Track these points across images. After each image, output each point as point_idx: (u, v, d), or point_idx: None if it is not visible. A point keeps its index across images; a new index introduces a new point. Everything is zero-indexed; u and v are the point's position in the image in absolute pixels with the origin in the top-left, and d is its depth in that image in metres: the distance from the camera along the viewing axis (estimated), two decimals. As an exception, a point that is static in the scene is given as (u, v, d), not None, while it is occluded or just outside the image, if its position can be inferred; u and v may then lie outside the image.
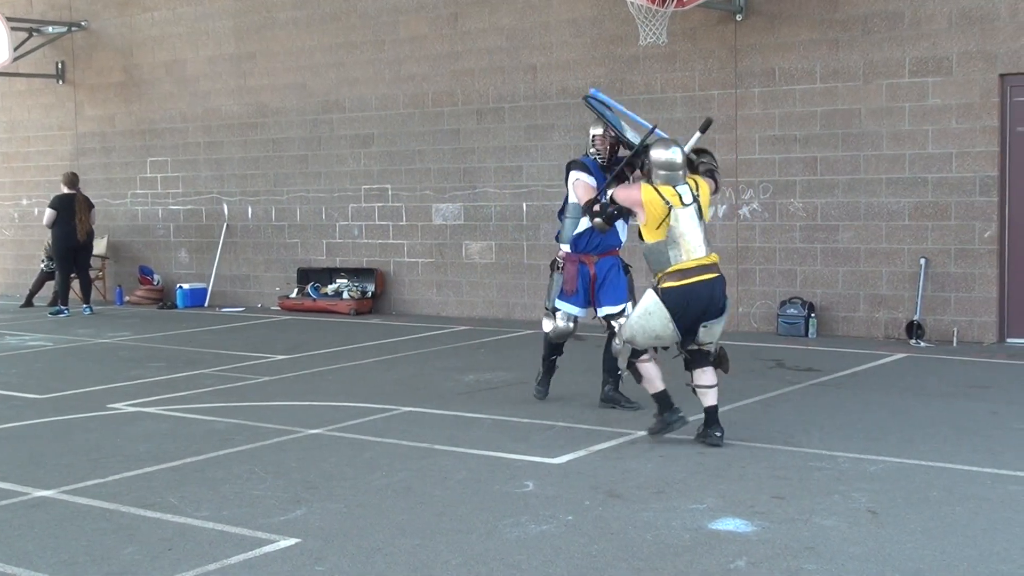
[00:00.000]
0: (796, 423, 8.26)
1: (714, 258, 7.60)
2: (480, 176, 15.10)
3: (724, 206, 13.30)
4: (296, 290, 16.48)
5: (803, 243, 12.91)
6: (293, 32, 16.58)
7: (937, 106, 12.07)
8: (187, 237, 18.04)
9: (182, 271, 18.06)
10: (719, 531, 5.76)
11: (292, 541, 5.70)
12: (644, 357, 7.71)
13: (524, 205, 14.71)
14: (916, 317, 12.08)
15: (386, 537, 5.76)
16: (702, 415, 7.65)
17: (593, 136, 8.82)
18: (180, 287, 17.52)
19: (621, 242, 8.84)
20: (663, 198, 7.47)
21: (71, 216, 16.42)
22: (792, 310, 12.77)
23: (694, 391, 7.67)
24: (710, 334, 7.56)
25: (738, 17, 13.00)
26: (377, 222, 16.03)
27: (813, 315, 12.68)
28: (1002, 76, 11.79)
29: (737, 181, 13.20)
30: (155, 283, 18.05)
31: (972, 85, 11.90)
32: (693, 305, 7.45)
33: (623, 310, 8.61)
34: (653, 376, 7.72)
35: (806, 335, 12.59)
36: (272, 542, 5.68)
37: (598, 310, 8.78)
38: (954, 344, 11.90)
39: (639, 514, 6.07)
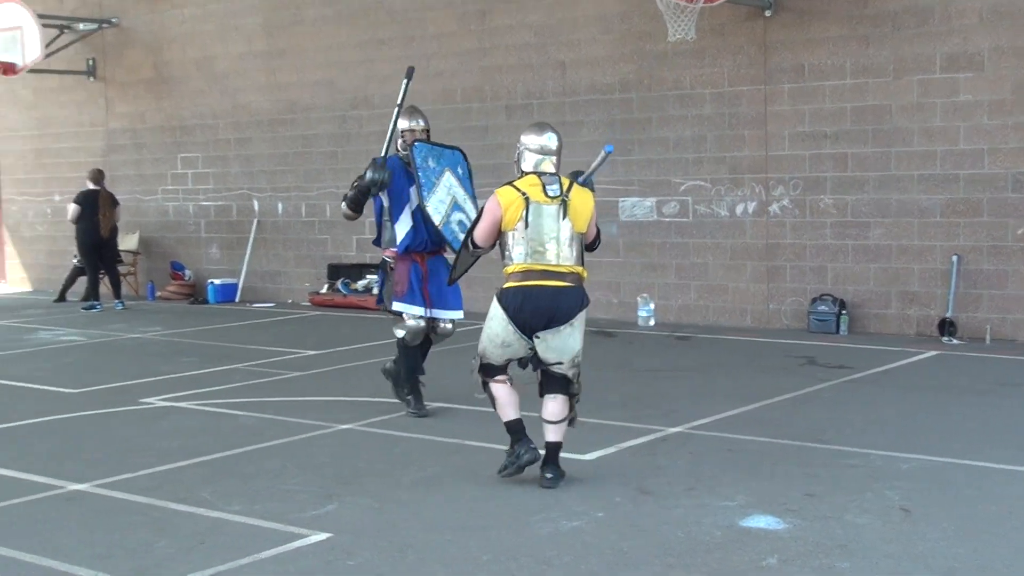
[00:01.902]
0: (828, 420, 8.23)
1: (572, 269, 6.74)
2: (509, 172, 15.01)
3: (754, 203, 13.26)
4: (326, 286, 16.53)
5: (834, 240, 12.85)
6: (322, 29, 16.63)
7: (968, 102, 11.99)
8: (218, 233, 18.12)
9: (213, 267, 18.15)
10: (751, 528, 5.75)
11: (323, 536, 5.72)
12: (499, 378, 6.77)
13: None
14: (948, 314, 12.01)
15: (417, 532, 5.77)
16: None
17: (403, 131, 8.79)
18: (211, 283, 17.60)
19: (447, 239, 8.57)
20: (519, 190, 6.72)
21: (94, 212, 16.53)
22: (823, 307, 12.71)
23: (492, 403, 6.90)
24: (548, 348, 6.62)
25: (767, 13, 12.96)
26: (406, 218, 16.02)
27: (844, 312, 12.62)
28: (1035, 72, 11.72)
29: (767, 178, 13.16)
30: (186, 278, 18.14)
31: (1004, 81, 11.82)
32: (529, 309, 6.59)
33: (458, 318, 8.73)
34: (505, 401, 6.74)
35: (837, 332, 12.53)
36: (303, 537, 5.71)
37: (432, 311, 8.62)
38: (987, 342, 11.82)
39: (670, 511, 6.06)
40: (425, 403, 8.67)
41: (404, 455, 7.41)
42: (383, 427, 8.27)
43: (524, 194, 6.69)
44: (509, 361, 6.80)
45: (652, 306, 13.82)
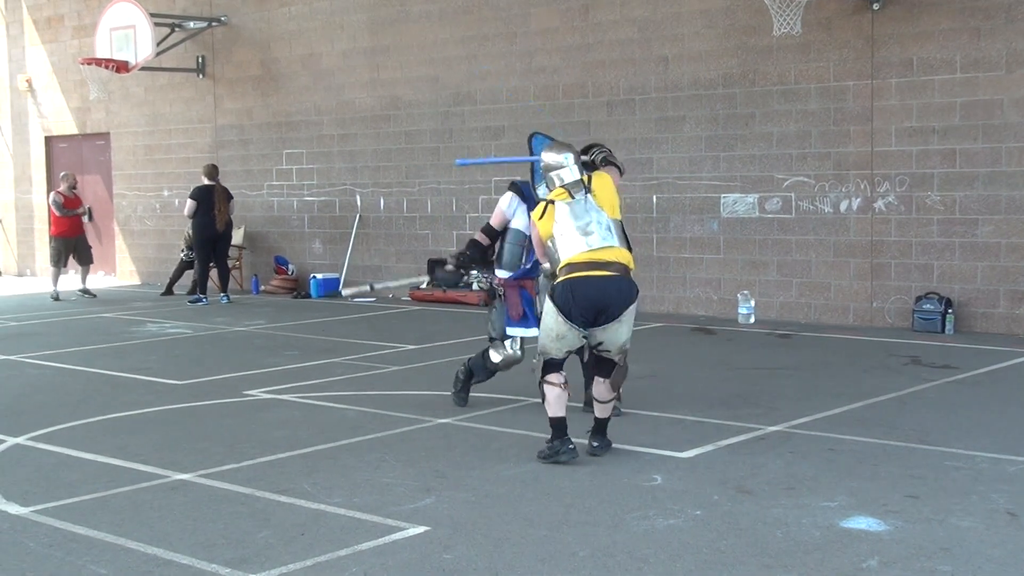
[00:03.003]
0: (932, 421, 8.08)
1: (616, 255, 7.00)
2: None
3: (859, 199, 13.06)
4: (426, 281, 16.63)
5: (940, 237, 12.61)
6: (426, 25, 16.74)
7: (1084, 96, 11.68)
8: (321, 228, 18.34)
9: (316, 261, 18.38)
10: (851, 529, 5.67)
11: (421, 529, 5.76)
12: (554, 379, 7.10)
13: (654, 197, 14.63)
14: (1059, 314, 11.72)
15: (514, 527, 5.79)
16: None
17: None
18: (314, 277, 17.83)
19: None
20: (544, 201, 7.25)
21: (210, 207, 16.81)
22: (928, 305, 12.48)
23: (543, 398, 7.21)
24: (607, 337, 7.04)
25: (875, 6, 12.75)
26: (507, 214, 16.07)
27: (950, 311, 12.38)
28: None
29: (872, 174, 12.95)
30: (290, 273, 18.40)
31: (1122, 74, 11.49)
32: (578, 300, 6.90)
33: None
34: (554, 400, 7.08)
35: (943, 331, 12.30)
36: (401, 529, 5.76)
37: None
38: (1099, 342, 11.52)
39: (768, 510, 6.00)
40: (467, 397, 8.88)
41: (501, 450, 7.43)
42: (480, 422, 8.31)
43: (550, 199, 7.18)
44: (568, 354, 7.20)
45: (753, 303, 13.69)
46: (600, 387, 7.20)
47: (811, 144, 13.40)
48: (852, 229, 13.15)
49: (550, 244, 7.11)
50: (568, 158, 7.26)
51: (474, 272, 8.68)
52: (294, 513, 6.10)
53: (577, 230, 7.02)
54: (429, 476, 6.81)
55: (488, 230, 8.53)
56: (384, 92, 17.32)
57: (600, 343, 7.12)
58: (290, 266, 18.48)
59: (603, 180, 7.27)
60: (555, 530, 5.73)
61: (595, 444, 7.21)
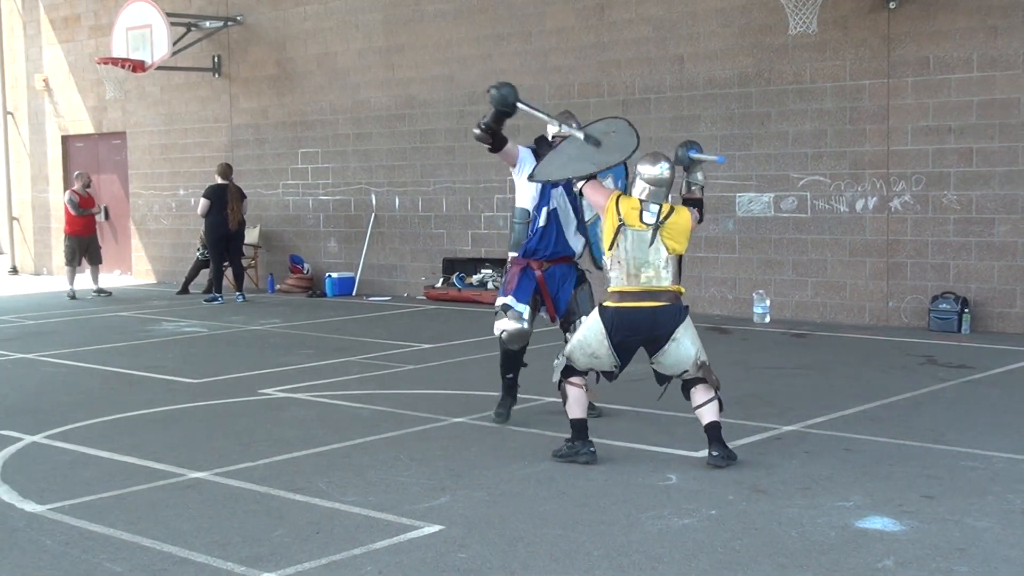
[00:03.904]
0: (948, 421, 8.06)
1: (668, 287, 6.98)
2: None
3: (874, 198, 13.03)
4: (441, 280, 16.65)
5: (957, 236, 12.57)
6: (441, 24, 16.75)
7: (1102, 95, 11.63)
8: (336, 227, 18.37)
9: (331, 260, 18.41)
10: (866, 530, 5.65)
11: (436, 528, 5.77)
12: (576, 380, 7.07)
13: (669, 197, 14.57)
14: (1076, 314, 11.67)
15: (528, 526, 5.79)
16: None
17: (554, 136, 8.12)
18: (329, 276, 17.86)
19: (574, 251, 8.16)
20: (619, 214, 6.97)
21: (223, 206, 16.86)
22: (944, 305, 12.44)
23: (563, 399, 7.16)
24: (665, 367, 7.02)
25: (892, 5, 12.71)
26: (522, 213, 16.07)
27: (967, 310, 12.34)
28: None
29: (888, 173, 12.92)
30: (305, 272, 18.43)
31: None
32: (624, 330, 6.90)
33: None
34: (575, 401, 7.03)
35: (959, 331, 12.26)
36: (416, 528, 5.76)
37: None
38: (1117, 342, 11.47)
39: (784, 510, 5.99)
40: (508, 410, 8.26)
41: (516, 449, 7.43)
42: (495, 421, 8.30)
43: (621, 220, 6.99)
44: (590, 369, 7.14)
45: (768, 303, 13.67)
46: (699, 392, 6.94)
47: (827, 143, 13.36)
48: (868, 228, 13.12)
49: (609, 261, 7.01)
50: (665, 172, 7.21)
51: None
52: (309, 511, 6.11)
53: (635, 261, 6.92)
54: (444, 475, 6.81)
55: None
56: (399, 91, 17.34)
57: (673, 368, 6.99)
58: (305, 265, 18.51)
59: (682, 217, 7.16)
60: (569, 529, 5.73)
61: (714, 454, 6.86)
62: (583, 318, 7.81)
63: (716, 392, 6.94)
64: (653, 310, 6.89)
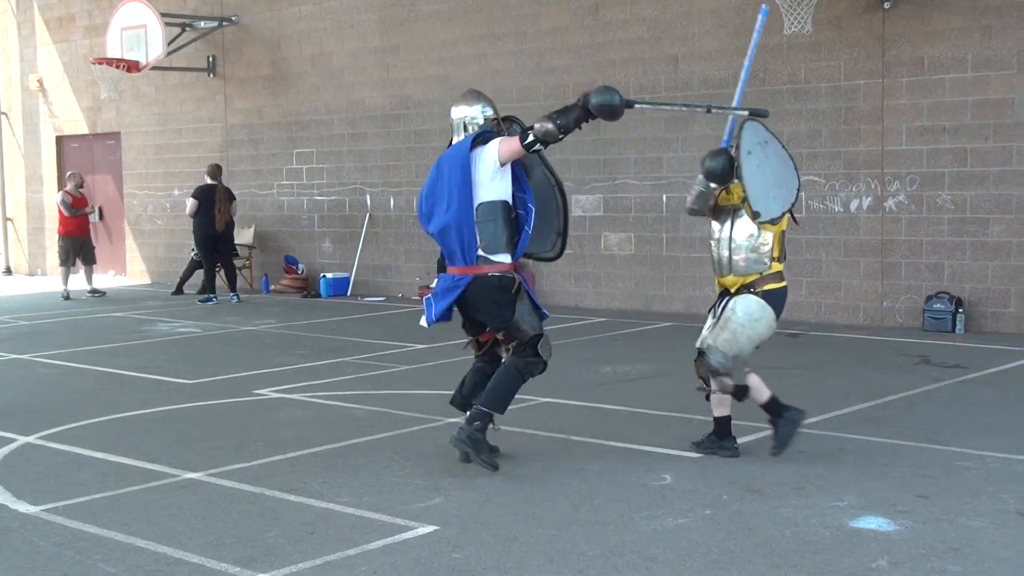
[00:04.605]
0: (942, 421, 8.06)
1: None
2: (620, 167, 15.06)
3: (869, 198, 13.04)
4: (436, 280, 16.60)
5: (951, 236, 12.58)
6: (436, 24, 16.74)
7: (1095, 95, 11.65)
8: (331, 227, 18.36)
9: (325, 260, 18.40)
10: (860, 529, 5.65)
11: (430, 528, 5.76)
12: (745, 368, 7.16)
13: (664, 197, 14.62)
14: (1071, 314, 11.69)
15: (523, 527, 5.79)
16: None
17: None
18: (323, 276, 17.85)
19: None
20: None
21: (211, 206, 16.87)
22: (939, 305, 12.45)
23: (707, 397, 7.25)
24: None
25: (886, 5, 12.72)
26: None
27: (961, 310, 12.35)
28: None
29: (883, 173, 12.93)
30: (299, 272, 18.42)
31: None
32: (781, 310, 7.15)
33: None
34: (760, 384, 7.14)
35: (953, 331, 12.27)
36: (411, 529, 5.76)
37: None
38: (1111, 342, 11.48)
39: (778, 510, 5.99)
40: (495, 459, 6.93)
41: (510, 450, 7.42)
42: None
43: None
44: None
45: (764, 303, 13.65)
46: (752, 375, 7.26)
47: (821, 143, 13.37)
48: (862, 228, 13.13)
49: (770, 235, 6.98)
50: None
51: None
52: (303, 512, 6.11)
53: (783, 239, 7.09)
54: (438, 475, 6.80)
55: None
56: (394, 91, 17.33)
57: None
58: (300, 265, 18.50)
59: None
60: (564, 529, 5.73)
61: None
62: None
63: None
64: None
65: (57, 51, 22.25)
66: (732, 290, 7.09)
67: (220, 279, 17.43)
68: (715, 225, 7.19)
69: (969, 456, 7.05)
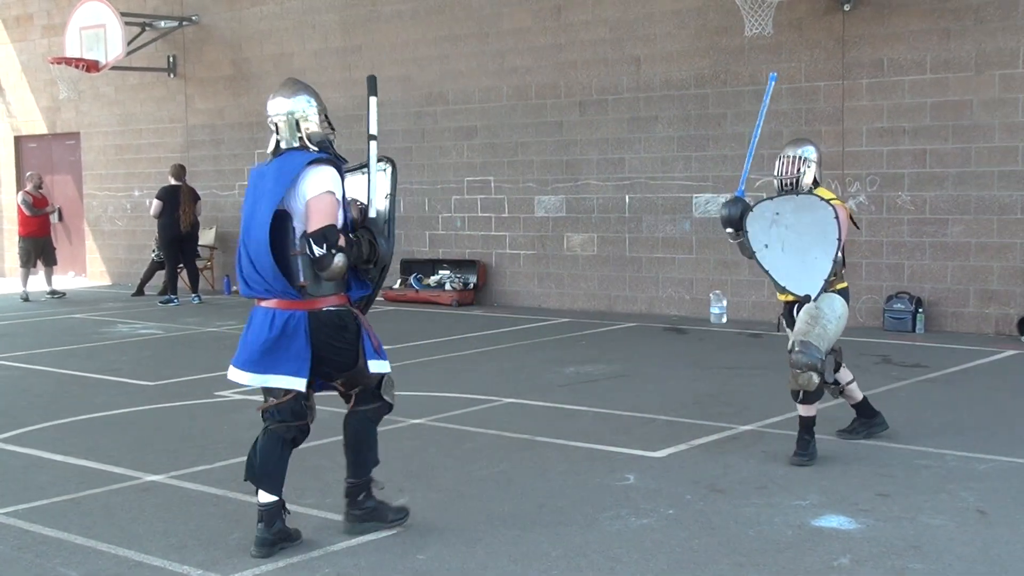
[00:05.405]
0: (902, 420, 8.11)
1: None
2: (583, 168, 15.09)
3: (830, 199, 13.11)
4: (399, 281, 16.62)
5: (911, 237, 12.68)
6: (398, 25, 16.71)
7: (1052, 97, 11.77)
8: (293, 228, 18.24)
9: (288, 262, 18.27)
10: (823, 528, 5.69)
11: (394, 530, 5.75)
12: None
13: (627, 197, 14.66)
14: (1028, 313, 11.81)
15: (487, 528, 5.79)
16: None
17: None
18: (286, 277, 17.73)
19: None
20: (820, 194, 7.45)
21: (175, 207, 16.76)
22: (899, 305, 12.55)
23: (841, 392, 7.50)
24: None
25: (846, 7, 12.81)
26: (479, 214, 16.10)
27: (921, 310, 12.45)
28: (1121, 66, 11.47)
29: (843, 174, 13.01)
30: (261, 273, 18.29)
31: (1089, 75, 11.58)
32: None
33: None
34: (852, 380, 7.56)
35: (913, 331, 12.37)
36: (374, 531, 5.74)
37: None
38: (1068, 341, 11.61)
39: (741, 509, 6.02)
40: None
41: (474, 451, 7.43)
42: (453, 422, 8.30)
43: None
44: None
45: (725, 303, 13.73)
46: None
47: (782, 144, 13.40)
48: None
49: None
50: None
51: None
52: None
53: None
54: (401, 477, 6.79)
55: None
56: (356, 92, 17.27)
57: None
58: (262, 266, 18.36)
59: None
60: (528, 530, 5.73)
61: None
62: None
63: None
64: None
65: (15, 50, 22.04)
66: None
67: (182, 280, 17.32)
68: None
69: (929, 455, 7.11)
